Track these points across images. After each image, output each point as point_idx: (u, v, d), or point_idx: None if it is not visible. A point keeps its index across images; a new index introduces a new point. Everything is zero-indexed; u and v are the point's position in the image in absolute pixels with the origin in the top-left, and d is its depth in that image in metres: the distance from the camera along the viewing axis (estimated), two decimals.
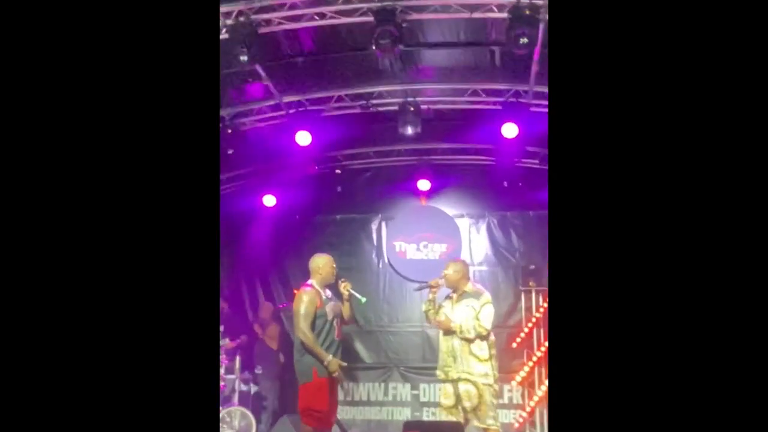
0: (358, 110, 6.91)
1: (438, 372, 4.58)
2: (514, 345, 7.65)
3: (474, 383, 4.38)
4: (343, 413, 7.18)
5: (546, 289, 7.79)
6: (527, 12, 4.88)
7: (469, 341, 4.44)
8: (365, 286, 7.20)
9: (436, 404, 7.66)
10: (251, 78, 6.29)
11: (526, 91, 6.51)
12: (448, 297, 4.78)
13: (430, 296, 4.72)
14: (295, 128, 6.79)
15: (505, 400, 7.59)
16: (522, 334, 7.66)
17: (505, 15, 5.01)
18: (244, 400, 6.77)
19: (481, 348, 4.45)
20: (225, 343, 6.64)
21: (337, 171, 8.22)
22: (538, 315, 7.73)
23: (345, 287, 4.60)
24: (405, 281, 8.15)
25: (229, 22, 5.10)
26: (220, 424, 6.10)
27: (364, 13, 5.19)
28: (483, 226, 8.25)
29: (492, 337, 4.55)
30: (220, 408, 6.15)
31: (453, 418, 4.46)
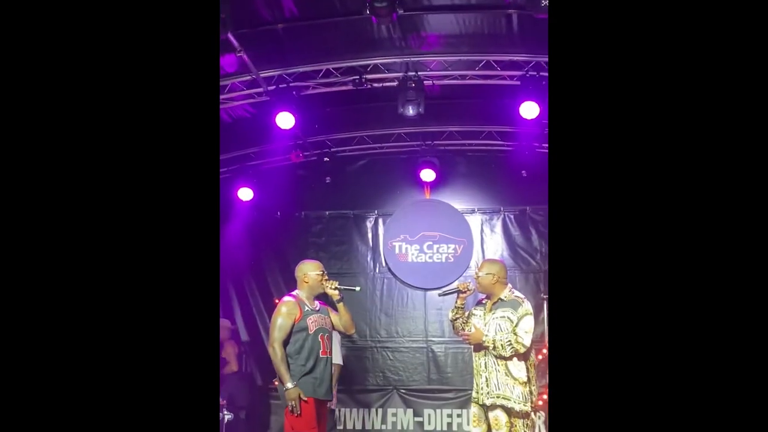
0: (350, 87, 6.76)
1: (474, 395, 4.48)
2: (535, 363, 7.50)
3: (508, 410, 4.22)
4: None
5: None
6: None
7: (505, 359, 4.27)
8: (359, 295, 7.07)
9: None
10: (222, 49, 6.12)
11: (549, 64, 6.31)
12: (479, 304, 4.65)
13: (458, 303, 4.57)
14: (276, 108, 6.65)
15: None
16: (544, 350, 7.48)
17: None
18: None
19: (520, 368, 4.30)
20: None
21: (326, 159, 8.12)
22: None
23: (331, 285, 4.55)
24: (406, 288, 8.08)
25: None
26: None
27: None
28: (498, 223, 8.15)
29: (533, 356, 4.40)
30: None
31: None
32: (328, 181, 8.24)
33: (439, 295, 5.06)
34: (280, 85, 6.65)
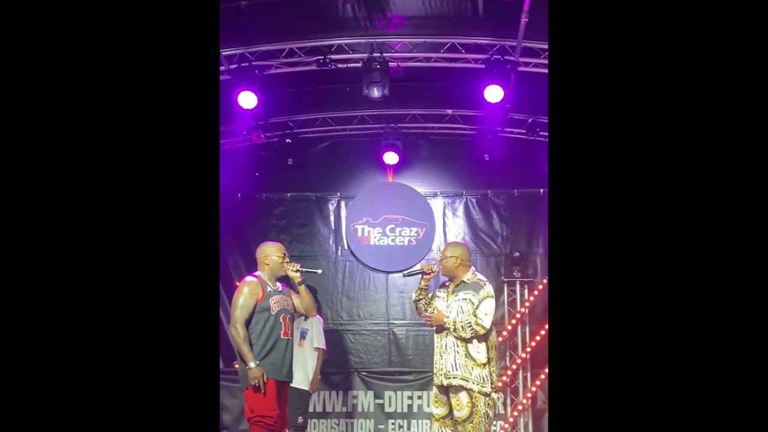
0: (313, 67, 6.71)
1: (434, 377, 4.48)
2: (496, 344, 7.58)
3: (468, 391, 4.25)
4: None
5: (532, 280, 7.77)
6: None
7: (465, 341, 4.29)
8: (320, 278, 7.03)
9: (405, 416, 7.69)
10: None
11: (513, 47, 6.36)
12: (443, 286, 4.67)
13: (422, 284, 4.58)
14: (237, 88, 6.57)
15: None
16: (504, 333, 7.58)
17: None
18: None
19: (479, 350, 4.32)
20: None
21: (288, 140, 8.04)
22: (522, 310, 7.66)
23: (292, 267, 4.50)
24: (367, 271, 8.07)
25: None
26: None
27: None
28: (460, 207, 8.18)
29: (493, 338, 4.43)
30: None
31: (447, 431, 4.39)
32: (290, 163, 8.16)
33: (404, 275, 5.06)
34: (242, 64, 6.55)
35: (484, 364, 4.33)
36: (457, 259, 4.51)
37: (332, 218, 8.24)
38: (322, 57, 6.54)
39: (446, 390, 4.39)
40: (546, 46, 6.03)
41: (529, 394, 7.47)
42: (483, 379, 4.30)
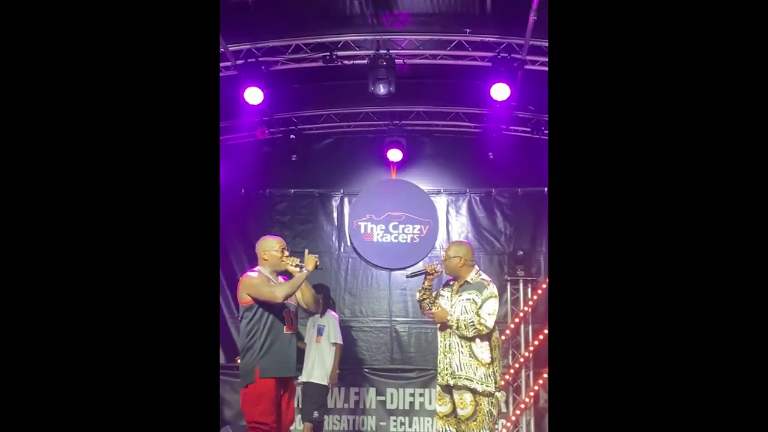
0: (320, 63, 6.68)
1: (439, 376, 4.50)
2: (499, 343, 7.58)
3: (472, 390, 4.26)
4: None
5: (535, 279, 7.77)
6: None
7: (469, 340, 4.30)
8: (323, 274, 7.03)
9: (406, 413, 7.69)
10: None
11: (520, 45, 6.34)
12: (446, 285, 4.66)
13: (426, 284, 4.57)
14: (244, 84, 6.54)
15: None
16: (507, 332, 7.58)
17: None
18: None
19: (483, 349, 4.33)
20: None
21: (292, 136, 8.02)
22: (526, 309, 7.66)
23: (292, 262, 4.45)
24: (370, 268, 8.06)
25: None
26: None
27: None
28: (464, 205, 8.17)
29: (496, 337, 4.43)
30: None
31: (451, 429, 4.40)
32: (294, 159, 8.14)
33: (407, 276, 5.04)
34: (249, 60, 6.53)
35: (488, 364, 4.33)
36: (461, 259, 4.50)
37: (335, 215, 8.23)
38: (329, 53, 6.51)
39: (450, 389, 4.39)
40: None
41: (532, 393, 7.47)
42: (487, 378, 4.30)
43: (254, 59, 6.52)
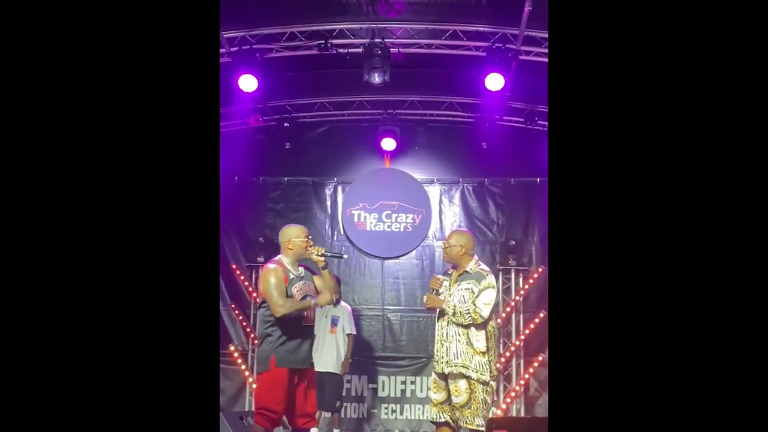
0: (314, 51, 6.67)
1: (435, 364, 4.51)
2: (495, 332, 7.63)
3: (467, 378, 4.29)
4: None
5: (527, 268, 7.81)
6: None
7: (465, 328, 4.33)
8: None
9: (398, 400, 7.75)
10: None
11: (515, 35, 6.35)
12: (446, 273, 4.67)
13: (432, 293, 4.60)
14: (238, 71, 6.52)
15: None
16: (499, 320, 7.63)
17: None
18: None
19: (479, 338, 4.35)
20: None
21: (286, 124, 8.00)
22: (517, 298, 7.71)
23: (317, 252, 4.38)
24: (363, 257, 8.08)
25: None
26: None
27: None
28: (456, 194, 8.20)
29: (492, 326, 4.46)
30: None
31: (445, 416, 4.41)
32: (287, 147, 8.11)
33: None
34: (243, 47, 6.51)
35: (484, 353, 4.36)
36: (462, 247, 4.51)
37: (329, 203, 8.24)
38: (324, 41, 6.50)
39: (445, 377, 4.42)
40: (547, 35, 6.03)
41: (522, 382, 7.53)
42: (482, 366, 4.33)
43: (249, 46, 6.50)
